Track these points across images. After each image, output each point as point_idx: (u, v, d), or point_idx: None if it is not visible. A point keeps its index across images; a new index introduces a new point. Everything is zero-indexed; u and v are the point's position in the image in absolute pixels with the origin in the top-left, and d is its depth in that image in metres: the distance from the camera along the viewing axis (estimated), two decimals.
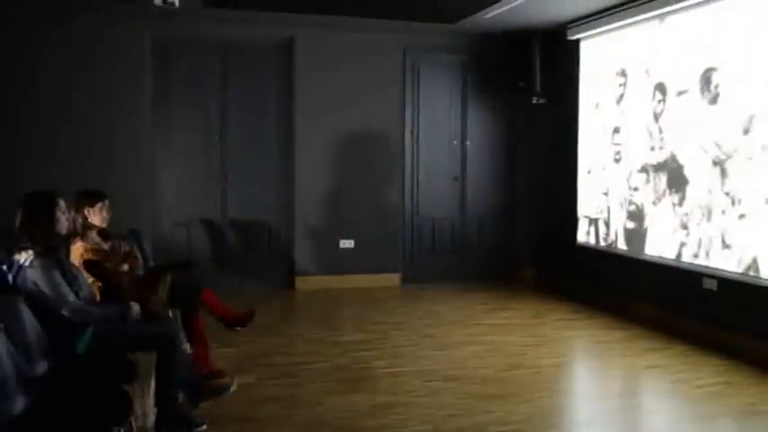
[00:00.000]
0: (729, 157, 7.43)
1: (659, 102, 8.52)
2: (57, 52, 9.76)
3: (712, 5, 7.66)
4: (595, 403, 6.55)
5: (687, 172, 8.06)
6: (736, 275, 7.41)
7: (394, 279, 11.22)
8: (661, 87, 8.52)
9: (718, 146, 7.58)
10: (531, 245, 11.58)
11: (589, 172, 9.99)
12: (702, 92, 7.82)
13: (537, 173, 11.40)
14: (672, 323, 8.26)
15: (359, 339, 8.07)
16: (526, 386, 6.47)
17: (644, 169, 8.85)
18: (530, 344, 7.91)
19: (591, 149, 9.98)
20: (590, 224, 9.97)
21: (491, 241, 11.63)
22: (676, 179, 8.24)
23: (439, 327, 8.66)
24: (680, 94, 8.16)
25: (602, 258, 9.69)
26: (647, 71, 8.74)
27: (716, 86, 7.62)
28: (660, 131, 8.52)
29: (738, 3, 7.37)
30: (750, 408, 5.96)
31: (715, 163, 7.65)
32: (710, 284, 7.79)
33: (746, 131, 7.20)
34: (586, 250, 10.05)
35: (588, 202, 10.02)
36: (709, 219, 7.76)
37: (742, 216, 7.30)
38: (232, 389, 5.81)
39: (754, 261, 7.18)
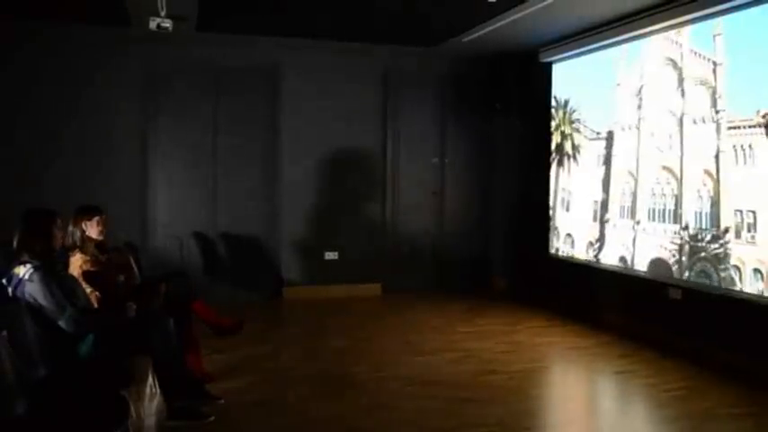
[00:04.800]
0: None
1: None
2: (55, 75, 9.73)
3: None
4: (566, 407, 6.58)
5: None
6: (700, 286, 7.48)
7: (376, 289, 11.22)
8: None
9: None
10: (505, 256, 11.61)
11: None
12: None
13: (511, 188, 11.44)
14: (640, 331, 8.31)
15: (343, 346, 8.07)
16: (501, 390, 6.49)
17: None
18: (504, 350, 7.92)
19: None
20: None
21: (468, 253, 11.65)
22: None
23: (418, 334, 8.67)
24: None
25: (573, 270, 9.74)
26: None
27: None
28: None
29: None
30: (713, 411, 6.00)
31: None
32: (676, 294, 7.85)
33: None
34: (558, 262, 10.10)
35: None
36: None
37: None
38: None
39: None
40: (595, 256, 9.29)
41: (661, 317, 8.10)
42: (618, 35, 8.55)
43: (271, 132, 10.73)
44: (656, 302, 8.16)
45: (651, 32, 8.16)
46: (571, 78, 9.88)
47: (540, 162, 10.45)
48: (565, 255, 9.96)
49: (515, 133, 11.15)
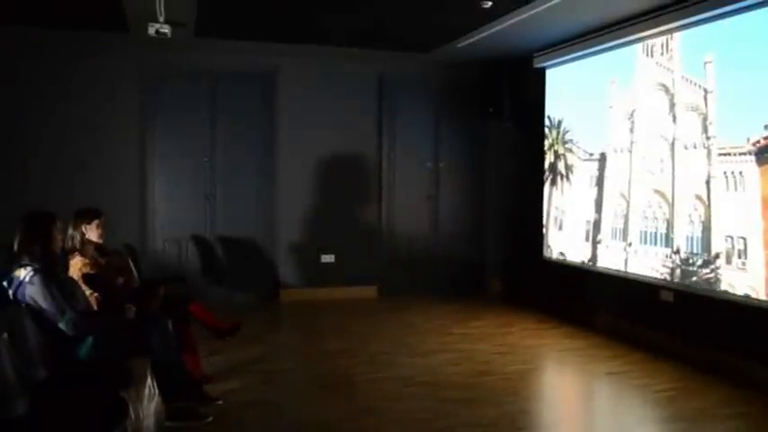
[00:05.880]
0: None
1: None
2: (54, 79, 9.75)
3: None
4: (559, 407, 6.61)
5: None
6: (691, 289, 7.49)
7: (371, 291, 11.23)
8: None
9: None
10: (499, 259, 11.63)
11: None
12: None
13: (505, 192, 11.46)
14: (632, 333, 8.31)
15: (339, 348, 8.07)
16: (495, 391, 6.50)
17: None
18: (498, 352, 7.93)
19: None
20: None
21: (462, 256, 11.66)
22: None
23: (413, 336, 8.67)
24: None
25: (566, 272, 9.73)
26: None
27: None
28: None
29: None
30: (704, 411, 6.01)
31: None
32: (667, 296, 7.85)
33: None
34: (552, 265, 10.10)
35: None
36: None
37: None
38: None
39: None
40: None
41: (653, 319, 8.10)
42: (611, 40, 8.56)
43: (268, 136, 10.74)
44: (647, 304, 8.16)
45: (642, 38, 8.18)
46: (564, 87, 9.89)
47: (534, 166, 10.44)
48: (558, 257, 9.96)
49: (509, 138, 11.16)
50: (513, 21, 8.27)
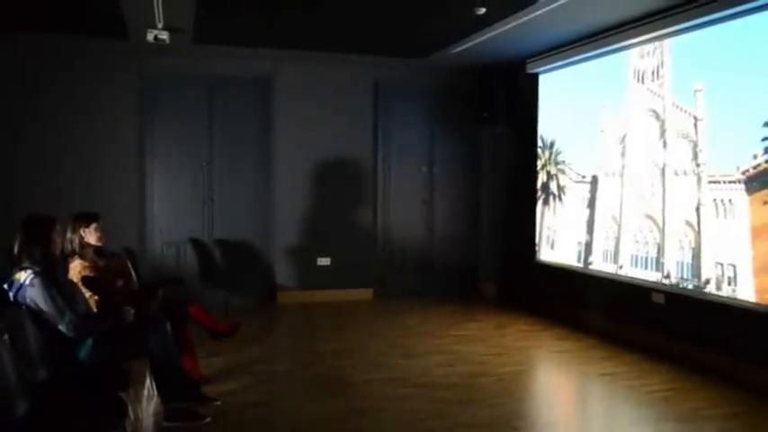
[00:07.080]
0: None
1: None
2: (54, 85, 9.74)
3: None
4: (553, 408, 6.60)
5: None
6: (681, 290, 7.49)
7: (367, 294, 11.22)
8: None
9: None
10: (493, 263, 11.62)
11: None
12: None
13: (499, 196, 11.47)
14: (623, 334, 8.31)
15: (335, 349, 8.06)
16: (489, 392, 6.50)
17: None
18: (492, 353, 7.93)
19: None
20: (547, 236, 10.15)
21: (456, 259, 11.65)
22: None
23: (409, 338, 8.67)
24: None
25: (559, 275, 9.73)
26: None
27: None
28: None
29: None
30: (696, 412, 6.01)
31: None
32: (658, 298, 7.86)
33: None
34: (545, 268, 10.10)
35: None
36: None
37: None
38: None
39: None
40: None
41: (645, 320, 8.10)
42: (601, 47, 8.60)
43: (264, 141, 10.73)
44: (639, 306, 8.17)
45: (633, 44, 8.21)
46: (557, 93, 9.91)
47: (527, 170, 10.46)
48: (551, 261, 9.97)
49: (503, 142, 11.17)
50: (506, 27, 8.27)
